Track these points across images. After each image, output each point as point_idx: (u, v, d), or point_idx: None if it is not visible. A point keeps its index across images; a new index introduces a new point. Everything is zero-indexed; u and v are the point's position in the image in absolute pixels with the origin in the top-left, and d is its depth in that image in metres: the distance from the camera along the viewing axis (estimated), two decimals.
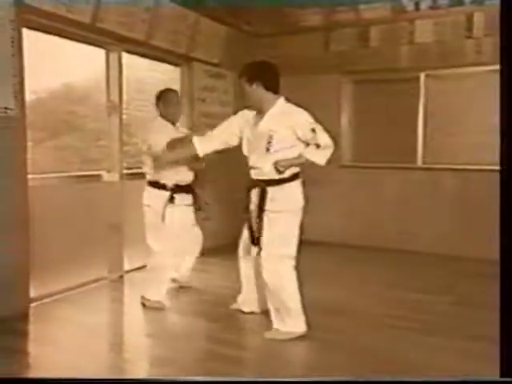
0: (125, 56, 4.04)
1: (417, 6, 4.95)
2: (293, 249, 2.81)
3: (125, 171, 4.11)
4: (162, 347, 2.76)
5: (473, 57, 4.71)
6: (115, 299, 3.73)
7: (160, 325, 3.11)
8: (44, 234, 3.38)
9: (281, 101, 2.81)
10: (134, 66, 4.34)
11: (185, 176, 3.35)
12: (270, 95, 2.78)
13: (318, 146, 2.69)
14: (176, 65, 4.75)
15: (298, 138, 2.72)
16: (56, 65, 3.63)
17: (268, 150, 2.74)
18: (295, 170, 2.81)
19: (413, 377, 2.34)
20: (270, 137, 2.73)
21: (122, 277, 4.06)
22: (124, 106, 4.06)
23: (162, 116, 3.39)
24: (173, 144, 3.14)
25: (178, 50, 4.46)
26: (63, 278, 3.61)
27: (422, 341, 2.80)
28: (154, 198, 3.32)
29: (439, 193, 4.95)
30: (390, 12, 5.05)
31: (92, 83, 4.08)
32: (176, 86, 4.78)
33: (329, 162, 2.76)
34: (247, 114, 2.91)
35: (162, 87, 3.58)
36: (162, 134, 3.24)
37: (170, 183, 3.28)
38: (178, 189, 3.30)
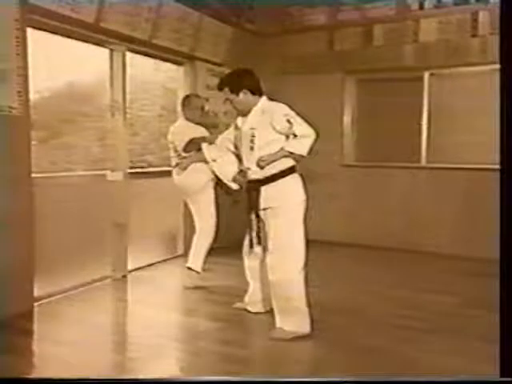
0: (128, 55, 4.05)
1: (421, 4, 4.93)
2: (299, 246, 2.79)
3: (129, 170, 4.12)
4: (166, 346, 2.76)
5: (478, 56, 4.67)
6: (119, 298, 3.73)
7: (164, 324, 3.11)
8: (48, 233, 3.39)
9: (262, 100, 2.87)
10: (138, 65, 4.35)
11: None
12: (256, 98, 2.86)
13: (294, 135, 2.68)
14: (179, 64, 4.75)
15: (277, 132, 2.74)
16: (60, 64, 3.64)
17: (252, 148, 2.80)
18: (288, 164, 2.79)
19: (413, 377, 2.34)
20: (252, 135, 2.80)
21: (125, 276, 4.06)
22: (127, 105, 4.07)
23: (186, 118, 3.84)
24: (191, 144, 3.60)
25: (181, 49, 4.46)
26: (67, 277, 3.62)
27: (427, 340, 2.79)
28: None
29: (443, 192, 4.93)
30: (394, 11, 5.03)
31: (96, 83, 4.08)
32: (179, 85, 4.80)
33: (310, 151, 2.73)
34: (237, 120, 2.98)
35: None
36: (183, 128, 3.77)
37: None
38: None
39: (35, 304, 3.27)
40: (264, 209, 2.82)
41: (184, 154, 3.72)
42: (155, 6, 3.98)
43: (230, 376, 2.33)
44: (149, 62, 4.54)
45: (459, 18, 4.74)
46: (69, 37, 3.57)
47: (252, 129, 2.81)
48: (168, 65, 4.71)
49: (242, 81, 2.86)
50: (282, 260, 2.75)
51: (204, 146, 3.27)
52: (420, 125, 5.07)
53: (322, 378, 2.33)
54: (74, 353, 2.63)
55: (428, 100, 5.04)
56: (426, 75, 5.02)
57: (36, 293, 3.28)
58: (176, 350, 2.77)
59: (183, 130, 3.79)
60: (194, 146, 3.62)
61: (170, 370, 2.52)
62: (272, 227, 2.80)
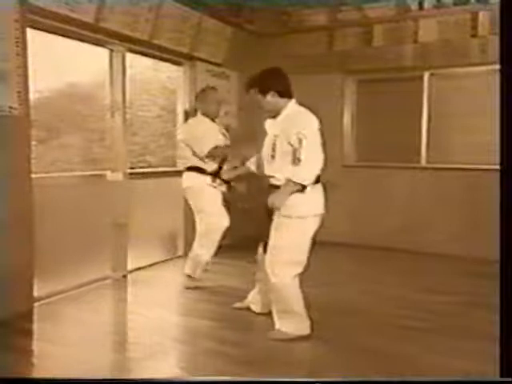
0: (128, 55, 4.05)
1: (421, 4, 4.93)
2: (300, 256, 2.71)
3: (128, 171, 4.12)
4: (166, 346, 2.76)
5: (478, 56, 4.67)
6: (119, 298, 3.73)
7: (164, 324, 3.11)
8: (48, 233, 3.39)
9: (290, 104, 2.74)
10: (138, 65, 4.35)
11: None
12: (285, 101, 2.73)
13: (298, 160, 2.52)
14: (179, 64, 4.75)
15: (290, 144, 2.59)
16: (60, 64, 3.63)
17: (273, 156, 2.71)
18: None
19: (413, 377, 2.33)
20: (274, 142, 2.70)
21: (125, 276, 4.06)
22: (127, 105, 4.06)
23: (203, 113, 3.74)
24: (215, 152, 3.56)
25: (181, 49, 4.46)
26: (67, 277, 3.61)
27: (427, 340, 2.78)
28: (195, 179, 3.65)
29: (444, 192, 4.93)
30: (394, 11, 5.03)
31: (95, 83, 4.08)
32: (179, 85, 4.80)
33: (315, 181, 2.58)
34: (266, 123, 2.85)
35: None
36: (204, 130, 3.64)
37: (209, 169, 3.64)
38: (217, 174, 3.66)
39: (35, 304, 3.27)
40: (275, 216, 2.71)
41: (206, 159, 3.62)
42: (155, 6, 3.98)
43: (230, 376, 2.33)
44: (149, 62, 4.54)
45: (459, 18, 4.74)
46: (69, 37, 3.57)
47: (275, 136, 2.69)
48: (168, 65, 4.71)
49: (270, 82, 2.74)
50: (279, 267, 2.70)
51: (249, 162, 3.12)
52: (420, 125, 5.07)
53: (321, 378, 2.32)
54: (74, 353, 2.62)
55: (428, 100, 5.04)
56: (426, 75, 5.02)
57: (36, 293, 3.28)
58: (176, 350, 2.77)
59: (201, 130, 3.64)
60: (217, 152, 3.57)
61: (169, 370, 2.51)
62: (275, 234, 2.72)
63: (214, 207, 3.67)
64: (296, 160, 2.55)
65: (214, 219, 3.65)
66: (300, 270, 2.75)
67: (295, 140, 2.55)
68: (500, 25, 1.85)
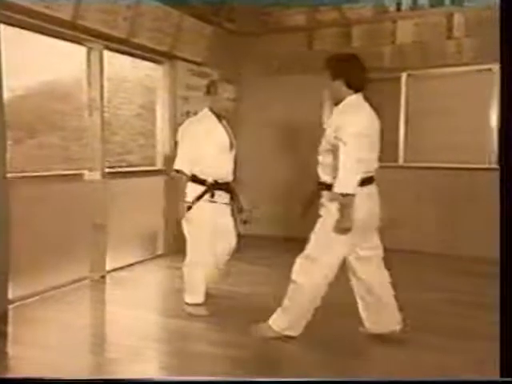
0: (107, 53, 4.00)
1: (398, 6, 5.01)
2: (328, 257, 2.57)
3: (107, 170, 4.07)
4: (145, 347, 2.74)
5: (453, 57, 4.77)
6: (97, 299, 3.69)
7: (143, 324, 3.09)
8: (25, 233, 3.32)
9: (353, 97, 2.55)
10: (116, 63, 4.30)
11: (224, 174, 3.14)
12: (348, 92, 2.55)
13: (337, 168, 2.38)
14: (159, 63, 4.72)
15: (330, 144, 2.48)
16: (36, 62, 3.57)
17: (322, 151, 2.60)
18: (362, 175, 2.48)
19: (413, 377, 2.32)
20: (325, 133, 2.59)
21: (103, 277, 4.01)
22: (105, 103, 4.01)
23: (210, 110, 3.15)
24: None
25: (160, 48, 4.42)
26: (44, 278, 3.55)
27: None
28: (191, 194, 3.06)
29: (420, 191, 5.00)
30: (372, 12, 5.10)
31: (73, 81, 4.02)
32: (158, 84, 4.76)
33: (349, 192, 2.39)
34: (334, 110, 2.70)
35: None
36: (210, 130, 3.09)
37: (210, 179, 3.07)
38: (217, 185, 3.10)
39: (10, 306, 3.20)
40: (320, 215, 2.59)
41: None
42: (133, 4, 3.94)
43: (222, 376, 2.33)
44: (127, 61, 4.49)
45: (435, 20, 4.85)
46: (45, 34, 3.50)
47: (325, 129, 2.56)
48: (147, 63, 4.66)
49: (338, 68, 2.59)
50: (304, 262, 2.62)
51: None
52: (398, 125, 5.15)
53: (321, 378, 2.29)
54: (50, 355, 2.58)
55: (405, 100, 5.12)
56: (404, 76, 5.10)
57: (12, 295, 3.21)
58: (155, 350, 2.75)
59: (197, 134, 3.05)
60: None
61: (148, 372, 2.49)
62: (313, 231, 2.61)
63: (206, 238, 3.10)
64: (334, 168, 2.43)
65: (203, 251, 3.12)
66: (329, 274, 2.60)
67: (335, 144, 2.44)
68: (500, 24, 1.82)
